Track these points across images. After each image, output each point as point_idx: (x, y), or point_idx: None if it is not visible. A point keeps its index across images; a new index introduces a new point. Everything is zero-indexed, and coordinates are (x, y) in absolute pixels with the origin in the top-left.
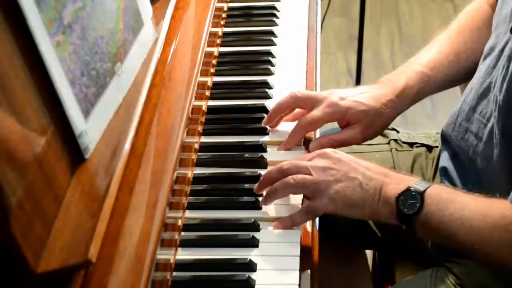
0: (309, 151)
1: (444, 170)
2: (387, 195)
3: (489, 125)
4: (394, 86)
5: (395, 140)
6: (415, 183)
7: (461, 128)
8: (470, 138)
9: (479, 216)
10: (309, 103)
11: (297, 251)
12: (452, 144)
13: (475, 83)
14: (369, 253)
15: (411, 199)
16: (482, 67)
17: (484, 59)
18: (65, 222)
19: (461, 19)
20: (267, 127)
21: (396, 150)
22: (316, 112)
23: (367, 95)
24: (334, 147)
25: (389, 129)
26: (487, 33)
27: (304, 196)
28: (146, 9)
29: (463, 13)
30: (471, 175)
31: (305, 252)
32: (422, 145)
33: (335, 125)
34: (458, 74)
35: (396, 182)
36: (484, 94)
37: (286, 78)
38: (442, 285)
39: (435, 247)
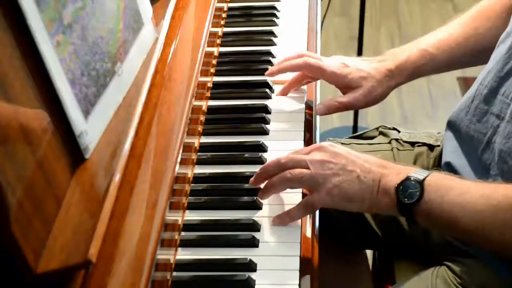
0: (308, 147)
1: (448, 165)
2: (386, 186)
3: None
4: (395, 59)
5: (396, 140)
6: (414, 172)
7: (478, 111)
8: (490, 119)
9: (482, 199)
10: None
11: (297, 251)
12: (463, 130)
13: (492, 67)
14: (369, 253)
15: (411, 188)
16: (498, 54)
17: (499, 46)
18: (65, 222)
19: (481, 5)
20: (267, 127)
21: (398, 149)
22: (322, 63)
23: (367, 64)
24: (339, 109)
25: (390, 128)
26: (503, 23)
27: (304, 192)
28: (146, 9)
29: (480, 3)
30: (480, 163)
31: (305, 252)
32: (424, 144)
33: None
34: (464, 57)
35: (395, 173)
36: (508, 75)
37: (286, 78)
38: (443, 284)
39: (435, 246)
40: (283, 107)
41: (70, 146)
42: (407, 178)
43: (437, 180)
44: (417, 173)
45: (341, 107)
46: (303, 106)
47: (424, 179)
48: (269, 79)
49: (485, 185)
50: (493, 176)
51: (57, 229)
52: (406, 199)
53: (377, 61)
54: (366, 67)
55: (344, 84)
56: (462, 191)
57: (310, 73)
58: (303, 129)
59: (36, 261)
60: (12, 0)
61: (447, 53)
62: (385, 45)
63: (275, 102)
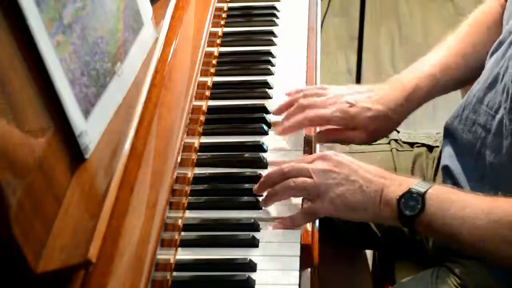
0: (309, 154)
1: (446, 169)
2: (388, 197)
3: (498, 116)
4: (404, 89)
5: (396, 140)
6: (416, 184)
7: (468, 121)
8: (478, 130)
9: (482, 214)
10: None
11: (297, 251)
12: (457, 137)
13: (481, 76)
14: (369, 253)
15: (412, 201)
16: (489, 62)
17: (492, 55)
18: (65, 222)
19: (471, 19)
20: (267, 128)
21: (397, 150)
22: (326, 111)
23: (375, 99)
24: (343, 141)
25: None
26: (496, 34)
27: (304, 197)
28: (146, 9)
29: (474, 14)
30: (475, 170)
31: (305, 252)
32: (423, 145)
33: None
34: (465, 76)
35: (397, 184)
36: (491, 85)
37: (286, 78)
38: (443, 285)
39: (435, 247)
40: None
41: (70, 146)
42: (409, 191)
43: (438, 194)
44: (418, 185)
45: (343, 141)
46: None
47: (425, 192)
48: (269, 79)
49: (486, 200)
50: (488, 184)
51: (57, 229)
52: (407, 211)
53: (385, 94)
54: (374, 105)
55: (351, 126)
56: (463, 205)
57: (314, 126)
58: (303, 129)
59: (36, 261)
60: (12, 0)
61: (450, 75)
62: (385, 45)
63: (275, 102)
